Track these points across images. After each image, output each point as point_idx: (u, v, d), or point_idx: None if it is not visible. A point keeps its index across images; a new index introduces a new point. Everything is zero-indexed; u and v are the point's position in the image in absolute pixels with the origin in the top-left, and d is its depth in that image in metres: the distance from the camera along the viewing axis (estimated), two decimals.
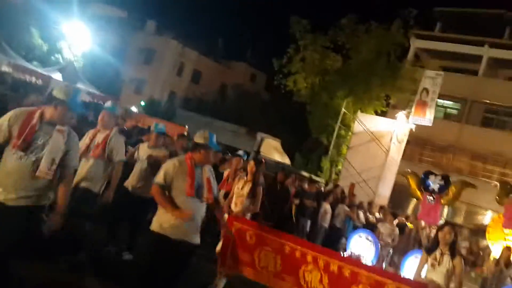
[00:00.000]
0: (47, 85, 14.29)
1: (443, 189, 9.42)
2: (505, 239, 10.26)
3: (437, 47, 25.29)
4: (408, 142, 17.73)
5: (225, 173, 7.97)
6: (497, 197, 10.34)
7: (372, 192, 14.53)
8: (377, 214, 12.16)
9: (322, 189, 12.59)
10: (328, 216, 10.50)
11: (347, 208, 10.98)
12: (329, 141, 18.86)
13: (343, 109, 17.29)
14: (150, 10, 53.24)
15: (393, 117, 17.02)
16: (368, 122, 16.79)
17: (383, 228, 9.75)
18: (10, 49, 15.24)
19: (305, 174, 18.18)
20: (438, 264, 4.65)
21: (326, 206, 10.60)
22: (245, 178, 5.74)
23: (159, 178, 3.79)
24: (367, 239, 7.38)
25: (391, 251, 9.82)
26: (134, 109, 22.26)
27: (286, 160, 22.59)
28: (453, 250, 4.73)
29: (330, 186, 13.08)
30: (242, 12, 66.29)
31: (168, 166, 3.85)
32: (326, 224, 10.48)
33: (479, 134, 22.57)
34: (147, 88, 33.99)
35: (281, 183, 9.62)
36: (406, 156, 19.09)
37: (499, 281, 8.34)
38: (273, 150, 21.19)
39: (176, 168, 3.81)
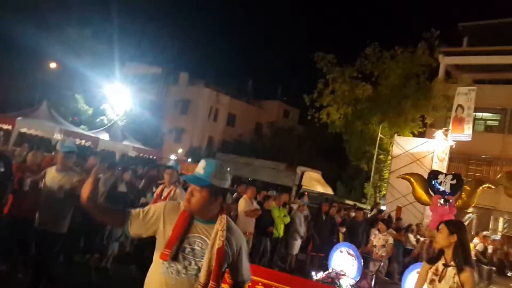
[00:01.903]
0: (95, 146, 15.35)
1: (456, 189, 8.28)
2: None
3: (467, 61, 25.07)
4: (451, 159, 17.52)
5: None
6: (505, 189, 9.21)
7: (420, 214, 14.36)
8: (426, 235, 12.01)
9: (368, 215, 12.63)
10: None
11: (393, 231, 10.95)
12: (369, 167, 18.90)
13: (379, 134, 17.41)
14: (182, 63, 55.72)
15: (432, 137, 16.96)
16: (406, 145, 16.81)
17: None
18: (58, 116, 16.46)
19: (349, 202, 18.17)
20: (439, 280, 3.39)
21: (375, 232, 10.64)
22: None
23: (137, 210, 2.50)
24: (349, 253, 6.78)
25: None
26: (173, 157, 23.12)
27: (329, 191, 22.61)
28: (462, 261, 3.34)
29: (374, 211, 13.09)
30: (268, 52, 68.18)
31: (159, 204, 2.53)
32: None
33: None
34: (186, 137, 35.25)
35: (326, 213, 9.82)
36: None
37: None
38: (314, 182, 21.32)
39: (168, 210, 2.46)
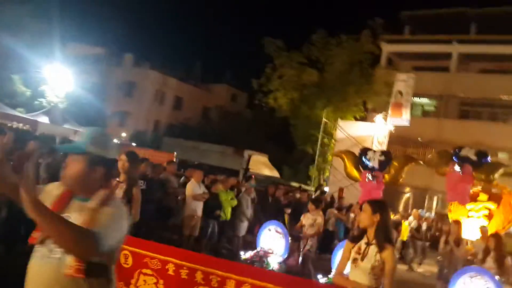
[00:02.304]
0: (34, 129, 14.66)
1: (384, 165, 8.34)
2: (468, 215, 9.37)
3: (408, 49, 26.27)
4: (391, 142, 18.43)
5: None
6: (436, 168, 9.36)
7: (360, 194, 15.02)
8: None
9: (312, 196, 13.09)
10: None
11: (335, 211, 11.48)
12: (314, 151, 19.50)
13: (323, 119, 17.96)
14: (127, 44, 53.97)
15: (373, 121, 17.75)
16: (349, 129, 17.48)
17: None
18: None
19: (295, 184, 18.68)
20: (362, 259, 3.33)
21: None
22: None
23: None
24: (277, 231, 6.59)
25: None
26: (117, 141, 22.50)
27: (275, 174, 23.08)
28: (383, 239, 3.31)
29: (318, 192, 13.61)
30: (216, 36, 67.46)
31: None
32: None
33: (457, 126, 23.37)
34: (131, 120, 34.40)
35: (272, 195, 10.07)
36: None
37: (451, 264, 7.30)
38: (261, 165, 21.69)
39: (49, 190, 2.19)
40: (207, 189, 8.59)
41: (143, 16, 59.11)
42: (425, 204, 22.32)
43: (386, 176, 8.36)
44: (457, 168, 8.31)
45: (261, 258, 6.25)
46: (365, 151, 8.68)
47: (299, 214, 10.40)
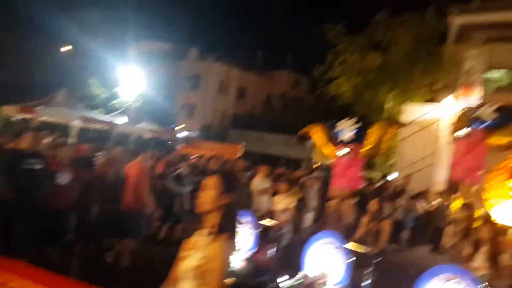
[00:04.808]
0: (113, 130, 15.87)
1: (360, 135, 6.94)
2: (509, 196, 7.19)
3: (479, 19, 24.59)
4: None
5: None
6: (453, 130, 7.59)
7: (428, 181, 14.68)
8: (435, 201, 12.41)
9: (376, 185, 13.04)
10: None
11: (405, 201, 11.38)
12: None
13: (386, 103, 17.57)
14: (191, 38, 55.59)
15: (442, 102, 17.05)
16: (416, 112, 16.92)
17: None
18: (76, 102, 16.90)
19: None
20: (188, 256, 2.39)
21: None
22: None
23: None
24: (246, 222, 5.68)
25: None
26: (183, 134, 23.26)
27: None
28: (226, 228, 2.35)
29: (382, 181, 13.48)
30: (276, 22, 67.25)
31: None
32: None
33: None
34: (198, 112, 35.69)
35: None
36: None
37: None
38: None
39: None
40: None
41: (204, 10, 60.52)
42: None
43: (363, 148, 6.89)
44: (462, 132, 6.30)
45: None
46: (336, 122, 7.27)
47: (363, 203, 10.51)
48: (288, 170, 10.34)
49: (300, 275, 4.92)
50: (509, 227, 7.14)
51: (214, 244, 2.28)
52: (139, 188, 6.62)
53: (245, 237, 5.55)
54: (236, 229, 2.39)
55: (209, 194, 2.37)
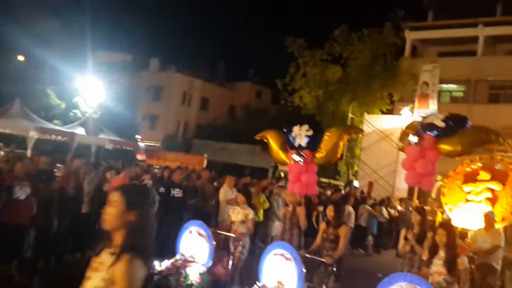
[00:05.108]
0: (72, 141, 15.32)
1: (314, 142, 6.63)
2: (466, 200, 7.67)
3: (432, 35, 25.75)
4: None
5: None
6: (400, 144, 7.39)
7: (390, 187, 15.13)
8: (398, 207, 12.79)
9: (343, 192, 13.28)
10: (353, 217, 11.12)
11: (368, 207, 11.64)
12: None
13: (349, 114, 18.05)
14: (152, 49, 54.99)
15: (399, 113, 17.71)
16: (376, 122, 17.51)
17: None
18: (32, 113, 16.24)
19: (323, 180, 18.84)
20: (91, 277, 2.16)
21: (349, 209, 11.25)
22: None
23: None
24: (199, 234, 5.33)
25: None
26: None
27: None
28: (130, 247, 2.10)
29: (347, 189, 13.76)
30: (237, 34, 67.72)
31: None
32: (351, 225, 11.12)
33: (487, 111, 22.85)
34: (160, 123, 35.19)
35: None
36: None
37: (412, 268, 5.49)
38: None
39: None
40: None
41: (165, 21, 60.08)
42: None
43: (317, 154, 6.67)
44: (413, 139, 6.29)
45: (179, 270, 5.08)
46: (291, 127, 7.00)
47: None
48: (254, 180, 10.31)
49: (256, 286, 4.87)
50: (467, 231, 7.56)
51: (116, 265, 2.06)
52: None
53: (201, 250, 5.36)
54: (146, 249, 2.14)
55: (111, 212, 2.17)
